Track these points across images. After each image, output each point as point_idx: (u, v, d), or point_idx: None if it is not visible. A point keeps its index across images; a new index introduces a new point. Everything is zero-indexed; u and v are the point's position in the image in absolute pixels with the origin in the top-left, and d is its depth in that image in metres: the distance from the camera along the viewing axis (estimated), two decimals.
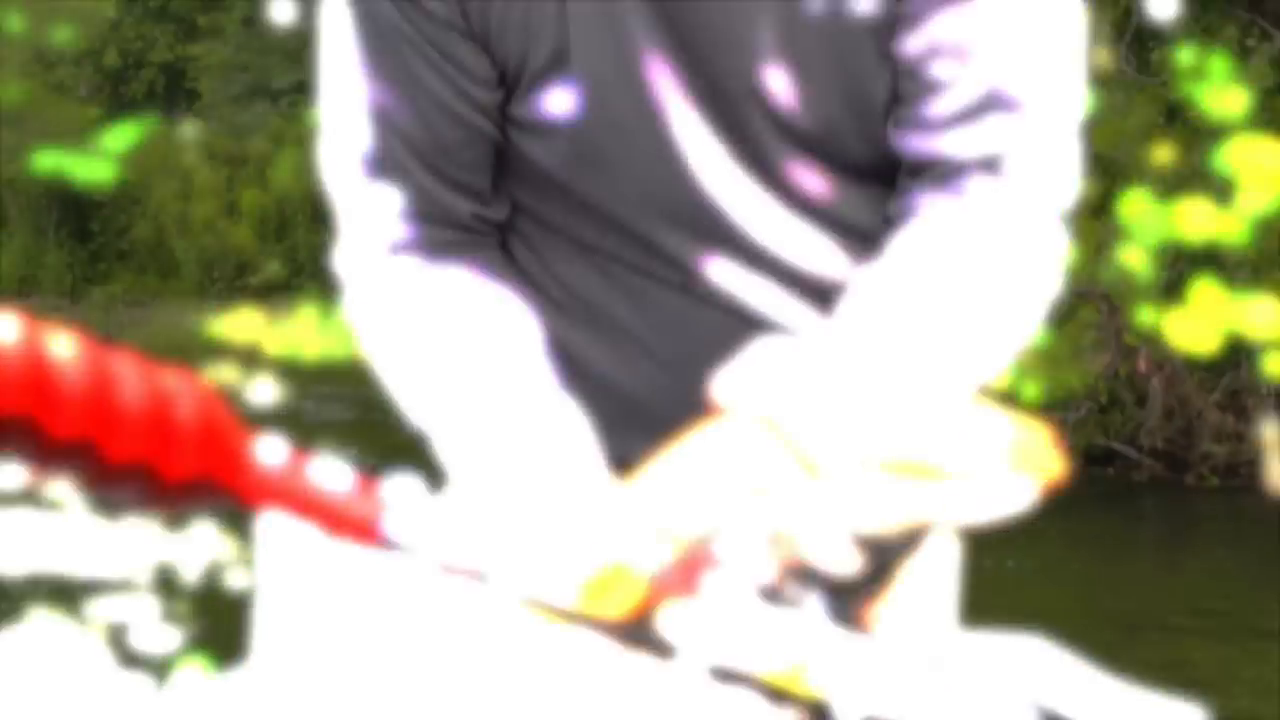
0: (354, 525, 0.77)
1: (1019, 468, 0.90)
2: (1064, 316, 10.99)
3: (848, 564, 0.97)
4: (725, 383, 1.06)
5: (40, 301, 40.12)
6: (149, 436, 0.68)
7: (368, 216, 1.41)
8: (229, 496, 0.73)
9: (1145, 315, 10.04)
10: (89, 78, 46.83)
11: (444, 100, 1.39)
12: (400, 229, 1.41)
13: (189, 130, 43.79)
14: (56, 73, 45.70)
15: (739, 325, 1.36)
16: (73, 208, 40.44)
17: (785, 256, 1.38)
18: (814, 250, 1.39)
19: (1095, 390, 11.56)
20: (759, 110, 1.36)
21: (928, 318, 1.24)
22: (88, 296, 39.77)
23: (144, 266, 40.19)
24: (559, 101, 1.37)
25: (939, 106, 1.31)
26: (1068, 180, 1.33)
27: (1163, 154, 11.06)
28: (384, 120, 1.40)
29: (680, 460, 1.04)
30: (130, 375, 0.68)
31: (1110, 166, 11.41)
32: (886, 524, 0.95)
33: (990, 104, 1.30)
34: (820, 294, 1.37)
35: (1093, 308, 10.83)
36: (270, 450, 0.75)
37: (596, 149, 1.38)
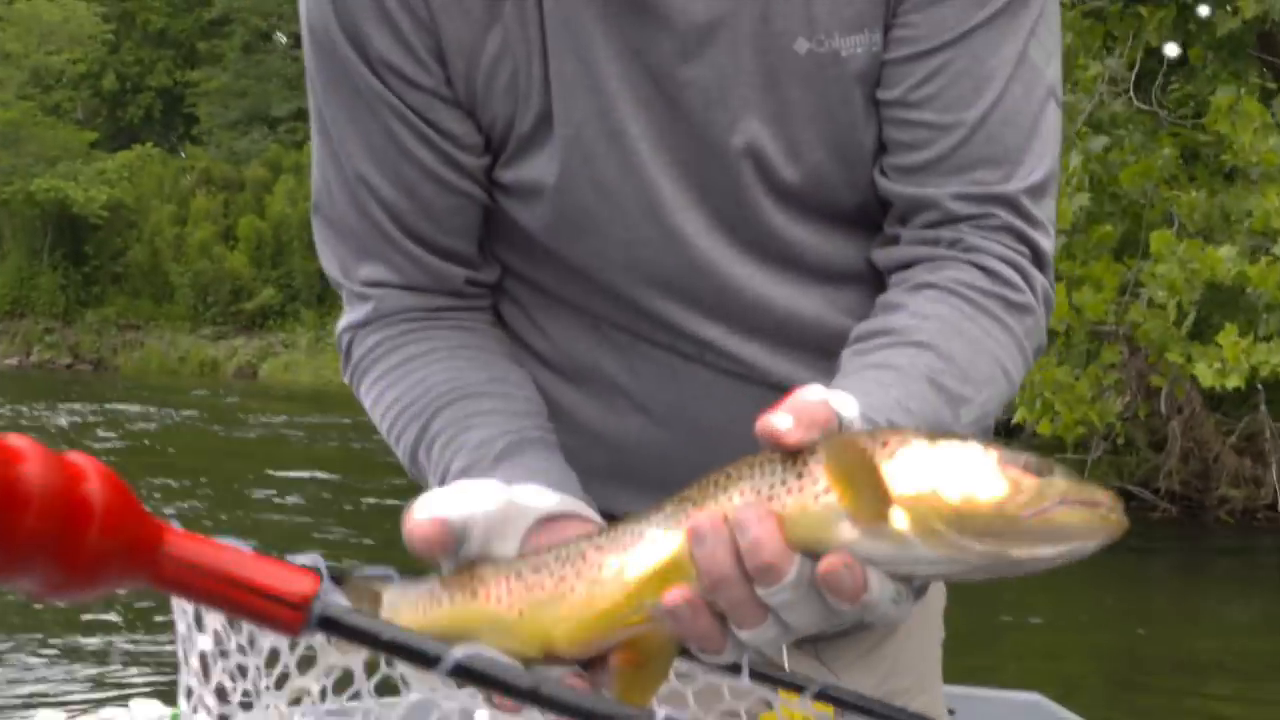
0: (273, 607, 0.73)
1: (1083, 523, 0.91)
2: (1086, 358, 10.81)
3: (900, 613, 0.94)
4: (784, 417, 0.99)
5: (33, 323, 40.14)
6: (58, 515, 0.67)
7: (360, 290, 1.39)
8: (139, 578, 0.72)
9: (1174, 355, 9.88)
10: (86, 101, 46.85)
11: (431, 168, 1.36)
12: (393, 300, 1.38)
13: (186, 156, 43.50)
14: (53, 95, 45.80)
15: (730, 380, 1.36)
16: (68, 230, 40.50)
17: (776, 310, 1.36)
18: (803, 302, 1.37)
19: (1113, 431, 11.42)
20: (746, 166, 1.33)
21: (955, 374, 1.22)
22: (81, 319, 39.72)
23: (138, 290, 40.21)
24: (544, 165, 1.34)
25: (928, 153, 1.31)
26: (1051, 225, 1.35)
27: (1189, 197, 10.97)
28: (370, 193, 1.37)
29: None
30: (35, 455, 0.66)
31: (1133, 208, 11.30)
32: (942, 574, 0.94)
33: (979, 149, 1.31)
34: (812, 345, 1.36)
35: (1114, 349, 10.66)
36: (179, 534, 0.73)
37: (581, 211, 1.35)
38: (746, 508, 0.91)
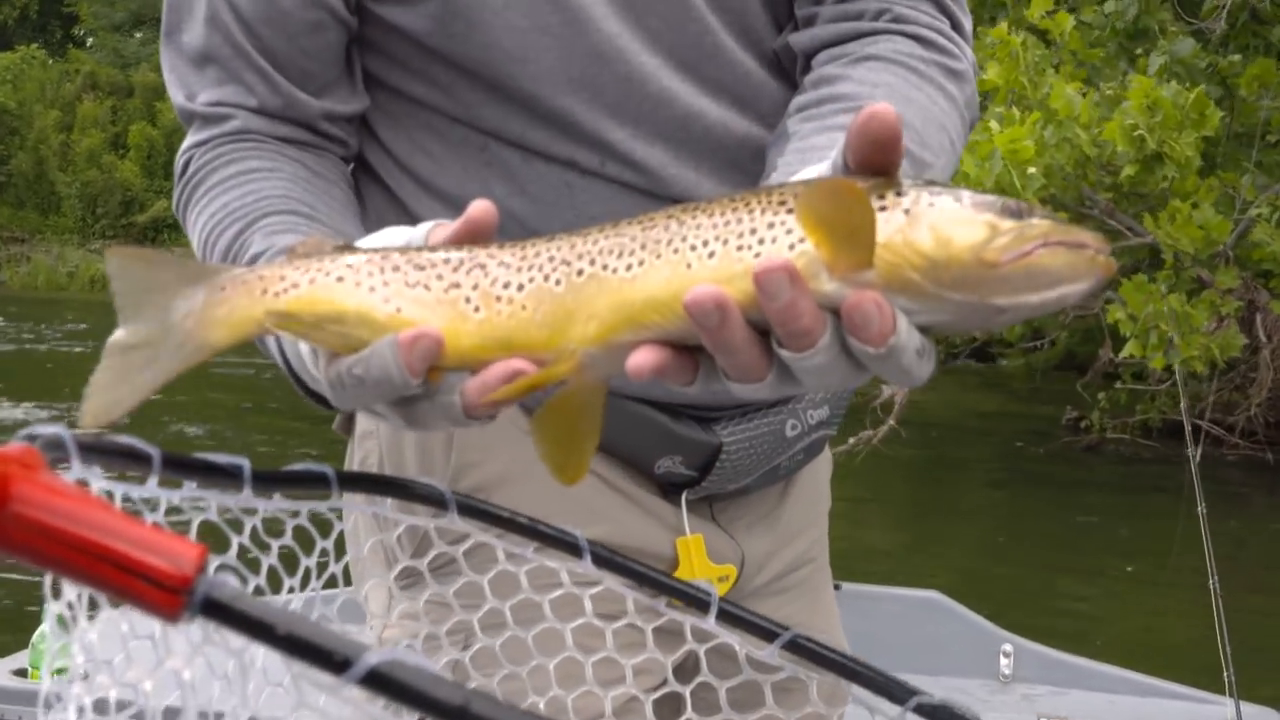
0: (146, 589, 0.61)
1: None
2: (1197, 284, 10.13)
3: (921, 369, 0.87)
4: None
5: None
6: None
7: (207, 110, 1.31)
8: None
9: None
10: None
11: None
12: (241, 120, 1.31)
13: (69, 59, 42.18)
14: None
15: (630, 196, 1.31)
16: None
17: (681, 106, 1.31)
18: (707, 102, 1.33)
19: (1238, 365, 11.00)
20: None
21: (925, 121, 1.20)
22: None
23: (22, 201, 39.08)
24: None
25: None
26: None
27: None
28: (226, 3, 1.29)
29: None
30: None
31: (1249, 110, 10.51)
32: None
33: None
34: (718, 152, 1.33)
35: (1230, 273, 9.99)
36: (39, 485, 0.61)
37: (470, 5, 1.28)
38: (774, 268, 0.83)
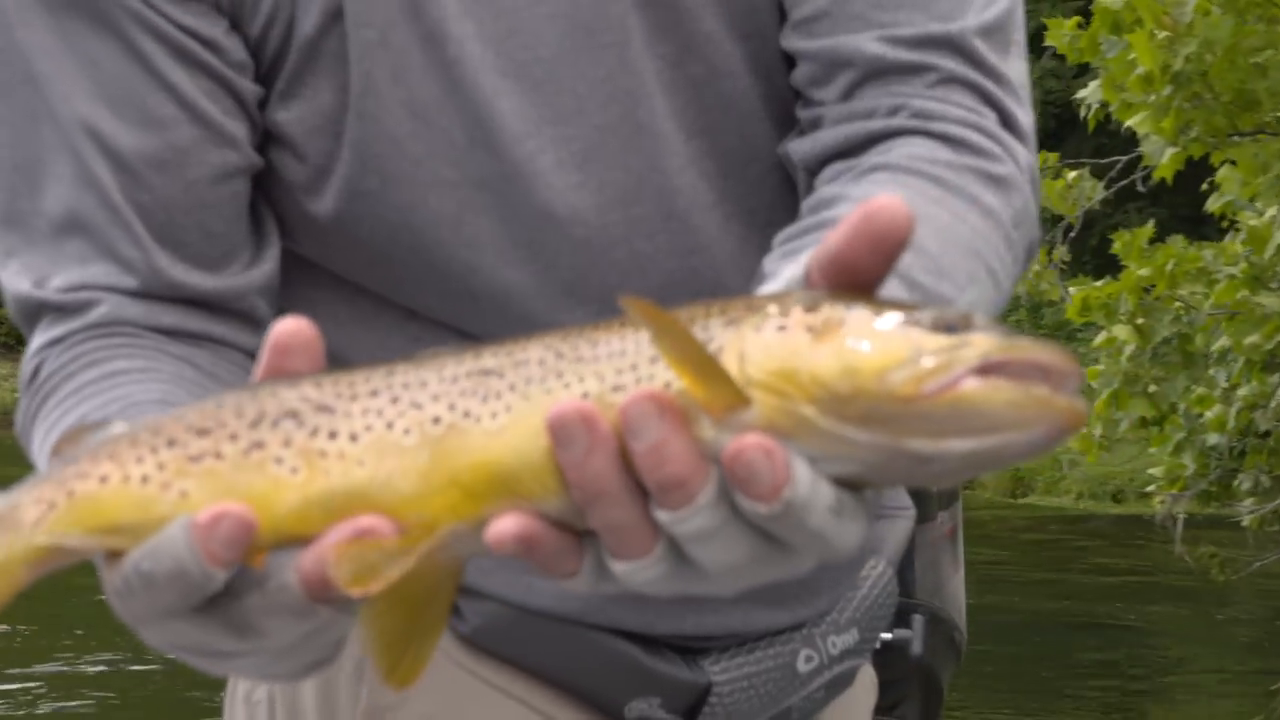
0: None
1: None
2: None
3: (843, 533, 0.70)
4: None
5: None
6: None
7: (63, 299, 1.02)
8: None
9: None
10: None
11: (189, 99, 1.02)
12: (110, 307, 1.03)
13: None
14: None
15: None
16: None
17: (653, 275, 1.10)
18: (695, 260, 1.12)
19: None
20: (611, 58, 1.07)
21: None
22: None
23: None
24: (334, 88, 1.04)
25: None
26: (1022, 88, 1.10)
27: None
28: (96, 146, 1.01)
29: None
30: None
31: None
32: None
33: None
34: None
35: None
36: None
37: (390, 148, 1.05)
38: (640, 398, 0.69)
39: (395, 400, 0.74)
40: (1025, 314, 18.63)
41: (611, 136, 1.07)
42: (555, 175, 1.06)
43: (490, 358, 0.74)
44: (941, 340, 0.68)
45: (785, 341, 0.70)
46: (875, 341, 0.69)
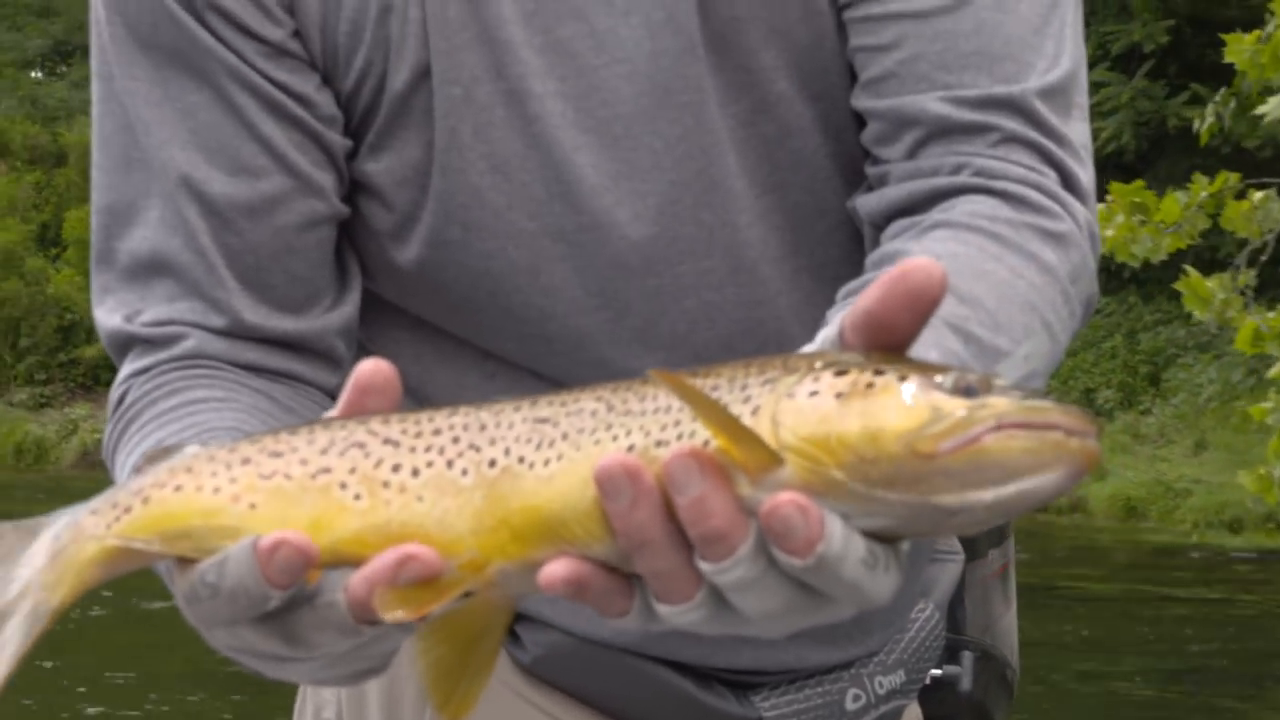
0: None
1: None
2: None
3: (878, 585, 0.76)
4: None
5: None
6: None
7: (151, 332, 1.09)
8: None
9: None
10: None
11: (280, 150, 1.08)
12: (195, 342, 1.09)
13: None
14: None
15: None
16: None
17: (721, 323, 1.15)
18: (761, 312, 1.17)
19: None
20: (687, 118, 1.11)
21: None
22: None
23: None
24: (421, 143, 1.10)
25: (901, 52, 1.11)
26: (1085, 150, 1.14)
27: None
28: (189, 195, 1.07)
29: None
30: None
31: None
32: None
33: (968, 41, 1.10)
34: None
35: None
36: None
37: (472, 200, 1.10)
38: (682, 455, 0.73)
39: (456, 440, 0.79)
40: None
41: (685, 192, 1.12)
42: (631, 228, 1.11)
43: (546, 407, 0.79)
44: (961, 402, 0.73)
45: (816, 407, 0.74)
46: (898, 407, 0.73)
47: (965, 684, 1.65)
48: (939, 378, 0.75)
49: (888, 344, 0.77)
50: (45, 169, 26.80)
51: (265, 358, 1.10)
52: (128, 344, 1.10)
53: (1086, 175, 1.10)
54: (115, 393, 1.09)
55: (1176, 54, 18.16)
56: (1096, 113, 17.38)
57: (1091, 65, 17.85)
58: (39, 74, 30.97)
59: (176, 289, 1.08)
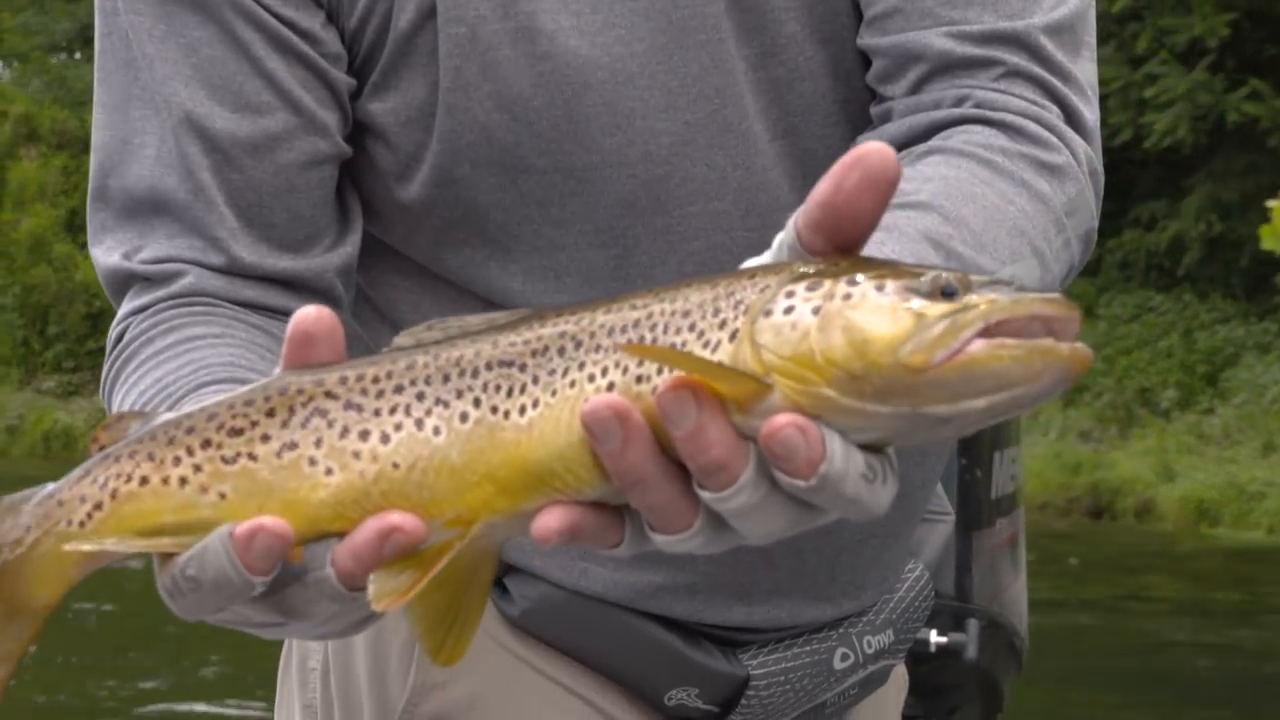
0: None
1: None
2: None
3: (875, 497, 0.76)
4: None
5: None
6: None
7: (150, 269, 1.09)
8: None
9: None
10: None
11: (285, 87, 1.08)
12: (193, 279, 1.09)
13: None
14: None
15: None
16: None
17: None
18: None
19: None
20: (706, 56, 1.12)
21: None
22: None
23: None
24: (426, 82, 1.10)
25: None
26: (1090, 87, 1.14)
27: None
28: (192, 131, 1.08)
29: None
30: None
31: None
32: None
33: None
34: None
35: None
36: None
37: (482, 140, 1.09)
38: (674, 388, 0.73)
39: (421, 397, 0.77)
40: None
41: (699, 132, 1.12)
42: (641, 167, 1.11)
43: (509, 347, 0.77)
44: (943, 306, 0.73)
45: (795, 324, 0.73)
46: (880, 316, 0.73)
47: (971, 652, 1.66)
48: (916, 280, 0.74)
49: (849, 236, 0.76)
50: (73, 153, 25.66)
51: (264, 295, 1.11)
52: (126, 282, 1.11)
53: (1091, 113, 1.12)
54: (113, 332, 1.11)
55: (1235, 48, 17.94)
56: (1152, 106, 17.19)
57: (1148, 58, 17.72)
58: (66, 56, 30.37)
59: (175, 226, 1.09)
